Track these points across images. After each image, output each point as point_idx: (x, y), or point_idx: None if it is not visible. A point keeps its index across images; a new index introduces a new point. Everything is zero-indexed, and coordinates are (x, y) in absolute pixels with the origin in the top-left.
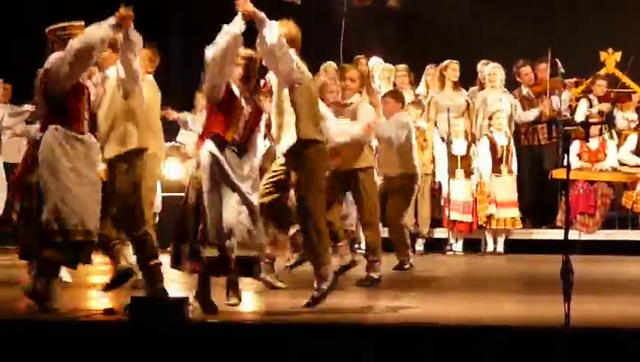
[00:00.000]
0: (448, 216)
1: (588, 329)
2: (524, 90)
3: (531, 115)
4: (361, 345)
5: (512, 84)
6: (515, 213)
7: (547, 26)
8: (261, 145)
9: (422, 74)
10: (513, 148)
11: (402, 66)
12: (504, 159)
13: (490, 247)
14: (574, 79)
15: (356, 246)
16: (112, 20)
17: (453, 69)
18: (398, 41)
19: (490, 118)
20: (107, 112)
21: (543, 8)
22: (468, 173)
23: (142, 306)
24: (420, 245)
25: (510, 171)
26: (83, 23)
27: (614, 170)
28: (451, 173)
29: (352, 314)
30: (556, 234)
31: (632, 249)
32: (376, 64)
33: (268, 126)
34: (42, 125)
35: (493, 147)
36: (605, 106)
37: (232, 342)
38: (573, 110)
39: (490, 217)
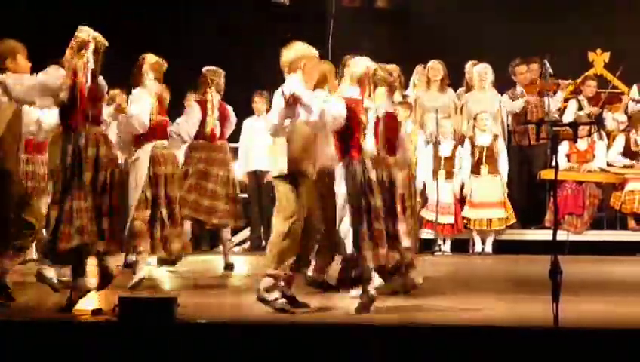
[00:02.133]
0: (436, 219)
1: (576, 329)
2: (518, 90)
3: (517, 105)
4: (356, 344)
5: (505, 83)
6: (497, 213)
7: (538, 27)
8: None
9: (411, 74)
10: (500, 149)
11: (393, 67)
12: (484, 159)
13: (478, 248)
14: (569, 81)
15: None
16: None
17: (432, 68)
18: (386, 41)
19: (474, 119)
20: None
21: (534, 9)
22: (450, 175)
23: (130, 307)
24: None
25: (492, 171)
26: None
27: (602, 170)
28: (434, 174)
29: (343, 314)
30: (545, 235)
31: (621, 249)
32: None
33: None
34: None
35: (473, 148)
36: (595, 110)
37: (221, 342)
38: (562, 111)
39: (470, 218)
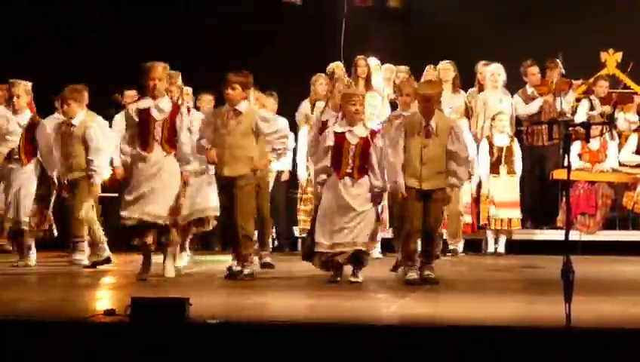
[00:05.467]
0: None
1: (589, 329)
2: (529, 90)
3: (534, 105)
4: (362, 345)
5: (516, 83)
6: (515, 213)
7: (549, 27)
8: None
9: (422, 74)
10: (516, 149)
11: (404, 68)
12: (503, 160)
13: (491, 248)
14: (581, 80)
15: None
16: None
17: (443, 69)
18: (398, 41)
19: (492, 120)
20: None
21: (545, 9)
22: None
23: (143, 307)
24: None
25: (510, 172)
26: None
27: (615, 170)
28: None
29: (354, 314)
30: (557, 235)
31: (633, 249)
32: (375, 65)
33: None
34: None
35: (491, 148)
36: (607, 109)
37: (233, 342)
38: (574, 111)
39: (489, 218)
